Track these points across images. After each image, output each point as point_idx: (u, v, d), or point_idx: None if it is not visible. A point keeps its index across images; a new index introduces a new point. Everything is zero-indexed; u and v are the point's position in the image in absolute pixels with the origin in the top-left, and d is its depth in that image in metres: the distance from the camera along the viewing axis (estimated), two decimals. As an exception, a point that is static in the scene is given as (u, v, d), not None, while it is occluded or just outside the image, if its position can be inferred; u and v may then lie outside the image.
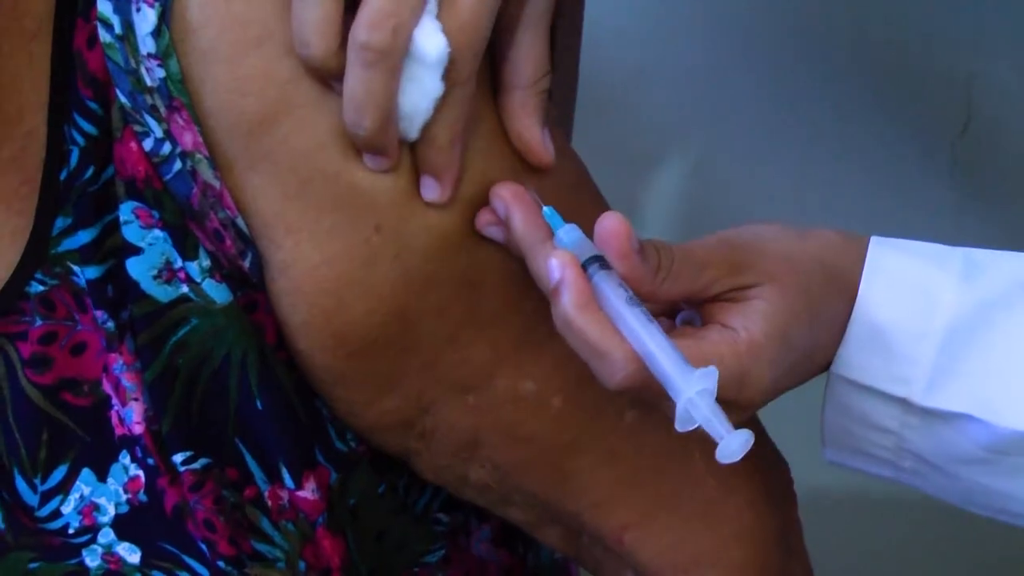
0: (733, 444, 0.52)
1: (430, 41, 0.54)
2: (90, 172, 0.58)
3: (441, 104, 0.55)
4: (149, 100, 0.56)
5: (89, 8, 0.57)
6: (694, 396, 0.52)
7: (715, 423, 0.52)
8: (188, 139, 0.56)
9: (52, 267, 0.59)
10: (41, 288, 0.59)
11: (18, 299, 0.59)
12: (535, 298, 0.58)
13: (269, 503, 0.61)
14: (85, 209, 0.58)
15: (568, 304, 0.53)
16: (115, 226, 0.58)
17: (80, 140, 0.58)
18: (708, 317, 0.57)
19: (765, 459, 0.66)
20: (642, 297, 0.54)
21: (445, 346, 0.59)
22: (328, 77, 0.55)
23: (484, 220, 0.58)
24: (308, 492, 0.61)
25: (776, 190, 1.21)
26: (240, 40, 0.55)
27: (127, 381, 0.60)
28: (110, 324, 0.59)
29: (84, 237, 0.59)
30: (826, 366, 0.60)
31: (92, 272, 0.59)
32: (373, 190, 0.57)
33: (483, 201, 0.58)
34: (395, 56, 0.53)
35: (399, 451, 0.63)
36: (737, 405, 0.55)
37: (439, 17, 0.54)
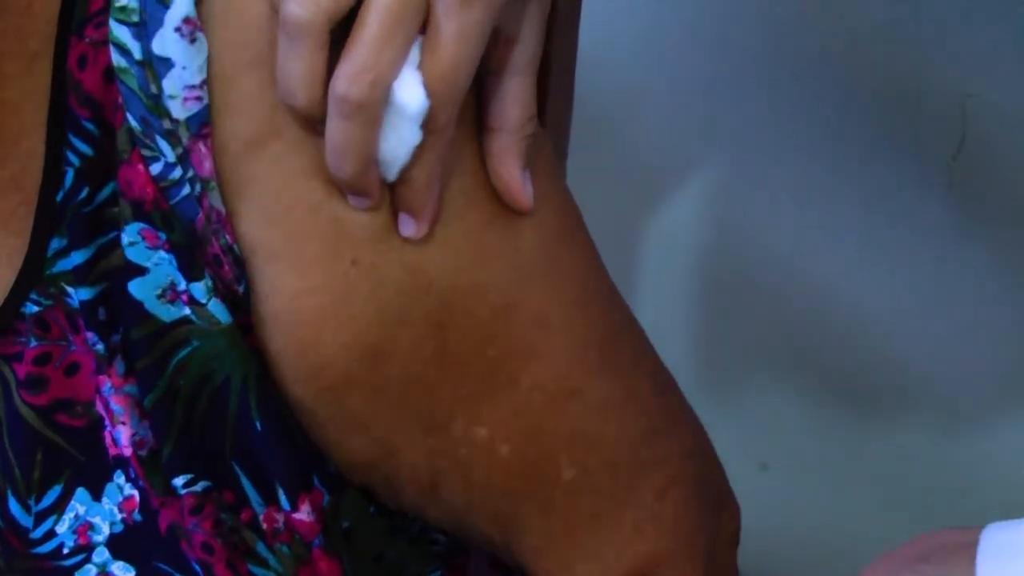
0: None
1: (409, 94, 0.55)
2: (84, 193, 0.58)
3: (419, 148, 0.56)
4: (166, 124, 0.56)
5: (83, 27, 0.57)
6: None
7: None
8: (208, 166, 0.57)
9: (47, 287, 0.59)
10: (36, 309, 0.60)
11: (14, 319, 0.60)
12: (499, 346, 0.60)
13: (264, 526, 0.61)
14: (79, 230, 0.58)
15: None
16: (110, 248, 0.59)
17: (75, 161, 0.58)
18: None
19: (706, 509, 0.66)
20: None
21: (413, 386, 0.60)
22: (313, 122, 0.56)
23: None
24: (304, 514, 0.61)
25: (771, 210, 1.21)
26: (235, 62, 0.56)
27: (115, 404, 0.60)
28: (100, 346, 0.59)
29: (77, 258, 0.59)
30: None
31: (84, 293, 0.59)
32: (352, 223, 0.58)
33: (459, 242, 0.59)
34: (373, 109, 0.54)
35: (364, 486, 0.63)
36: None
37: (420, 66, 0.55)
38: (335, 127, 0.55)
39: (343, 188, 0.57)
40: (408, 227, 0.58)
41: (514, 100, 0.59)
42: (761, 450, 1.23)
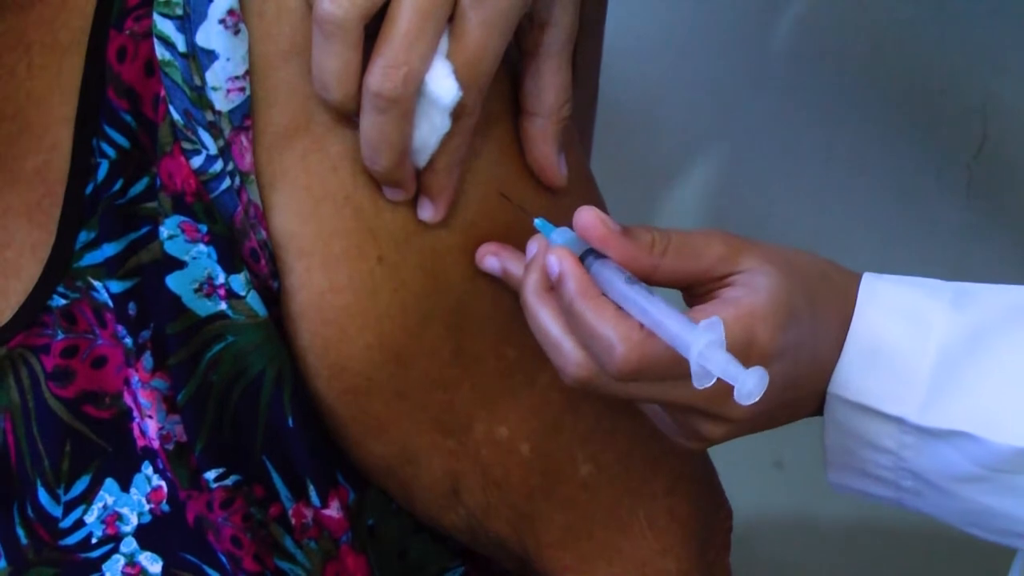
0: (749, 383, 0.52)
1: (441, 85, 0.56)
2: (118, 185, 0.59)
3: (446, 135, 0.57)
4: (209, 117, 0.57)
5: (123, 20, 0.58)
6: (703, 349, 0.52)
7: (728, 366, 0.52)
8: (248, 159, 0.57)
9: (74, 281, 0.60)
10: (63, 302, 0.60)
11: (41, 312, 0.60)
12: (516, 345, 0.61)
13: (293, 521, 0.62)
14: (111, 223, 0.59)
15: (571, 292, 0.55)
16: (143, 243, 0.59)
17: (111, 152, 0.58)
18: (711, 298, 0.58)
19: (705, 504, 0.68)
20: (644, 275, 0.56)
21: (433, 388, 0.61)
22: (347, 115, 0.57)
23: (482, 252, 0.60)
24: (334, 511, 0.62)
25: (791, 211, 1.21)
26: (270, 53, 0.57)
27: (143, 398, 0.60)
28: (128, 340, 0.60)
29: (108, 251, 0.59)
30: (823, 390, 0.60)
31: (115, 286, 0.59)
32: (376, 220, 0.58)
33: (477, 245, 0.60)
34: (406, 103, 0.55)
35: (379, 487, 0.64)
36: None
37: (449, 54, 0.56)
38: (370, 122, 0.56)
39: (379, 181, 0.58)
40: (427, 210, 0.59)
41: (550, 83, 0.60)
42: (776, 448, 1.24)
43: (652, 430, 0.64)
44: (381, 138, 0.56)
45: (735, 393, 0.52)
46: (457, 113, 0.56)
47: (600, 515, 0.64)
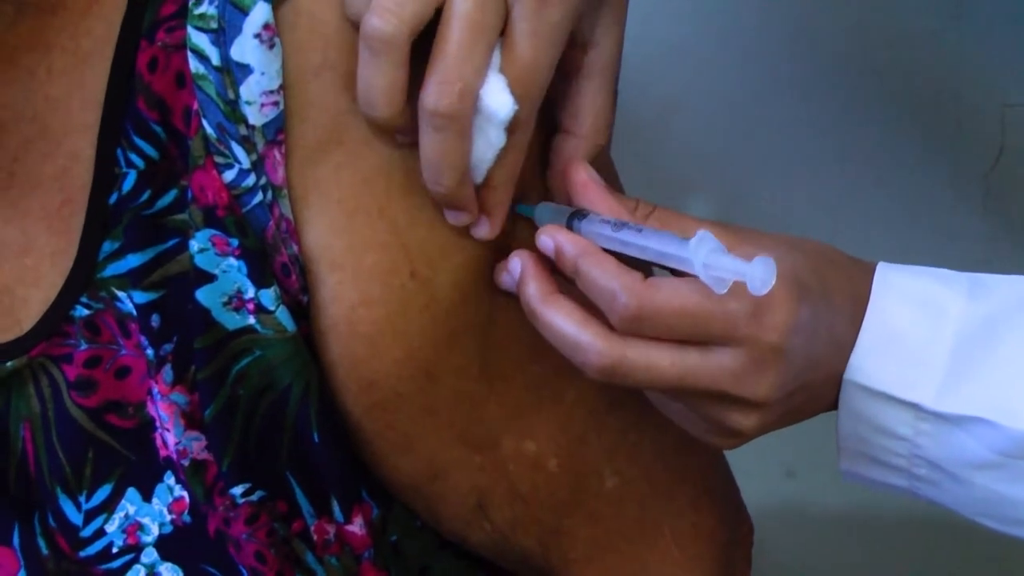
0: (758, 271, 0.52)
1: (497, 99, 0.55)
2: (146, 196, 0.58)
3: (502, 149, 0.56)
4: (242, 131, 0.56)
5: (154, 31, 0.57)
6: (706, 259, 0.53)
7: (736, 264, 0.52)
8: (280, 173, 0.57)
9: (97, 291, 0.59)
10: (86, 312, 0.60)
11: (63, 322, 0.60)
12: (544, 360, 0.60)
13: (315, 537, 0.62)
14: (136, 233, 0.58)
15: (572, 255, 0.56)
16: (170, 255, 0.59)
17: (139, 163, 0.58)
18: None
19: (729, 519, 0.68)
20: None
21: (461, 404, 0.60)
22: (394, 133, 0.57)
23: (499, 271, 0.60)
24: (356, 527, 0.62)
25: (807, 221, 1.21)
26: (304, 67, 0.56)
27: (162, 411, 0.60)
28: (149, 352, 0.59)
29: (133, 261, 0.59)
30: (840, 373, 0.60)
31: (139, 297, 0.59)
32: (410, 234, 0.58)
33: (499, 258, 0.60)
34: (463, 119, 0.54)
35: (404, 503, 0.64)
36: (760, 346, 0.55)
37: (501, 67, 0.55)
38: (429, 141, 0.55)
39: (441, 203, 0.57)
40: (483, 227, 0.58)
41: (589, 105, 0.59)
42: (787, 457, 1.23)
43: (676, 444, 0.64)
44: (441, 157, 0.55)
45: (748, 285, 0.52)
46: (512, 127, 0.56)
47: (626, 529, 0.64)
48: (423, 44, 0.55)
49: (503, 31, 0.55)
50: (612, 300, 0.54)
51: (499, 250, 0.60)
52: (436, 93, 0.54)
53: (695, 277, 0.54)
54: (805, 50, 1.22)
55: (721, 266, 0.53)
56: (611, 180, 0.64)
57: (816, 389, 0.59)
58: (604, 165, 0.63)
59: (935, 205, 1.20)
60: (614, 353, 0.55)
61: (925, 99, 1.22)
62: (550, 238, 0.57)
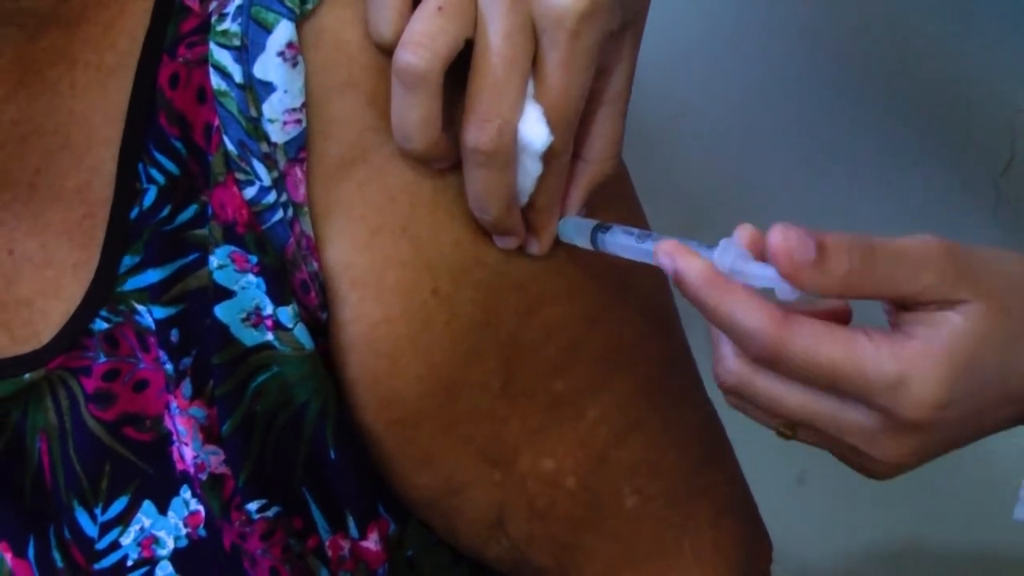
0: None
1: (532, 131, 0.56)
2: (166, 211, 0.58)
3: (541, 176, 0.57)
4: (263, 148, 0.56)
5: (176, 46, 0.57)
6: (732, 266, 0.51)
7: (762, 270, 0.51)
8: (302, 191, 0.57)
9: (117, 305, 0.59)
10: (106, 326, 0.60)
11: (82, 335, 0.60)
12: (566, 378, 0.60)
13: (329, 553, 0.62)
14: (156, 248, 0.58)
15: (695, 286, 0.51)
16: (190, 270, 0.59)
17: (159, 178, 0.58)
18: (896, 321, 0.53)
19: (748, 536, 0.68)
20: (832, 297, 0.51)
21: (481, 421, 0.60)
22: (431, 163, 0.57)
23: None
24: (371, 543, 0.62)
25: (818, 225, 1.21)
26: (327, 85, 0.56)
27: (180, 425, 0.60)
28: (168, 366, 0.59)
29: (152, 276, 0.59)
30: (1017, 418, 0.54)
31: (159, 312, 0.59)
32: (433, 252, 0.58)
33: (529, 283, 0.60)
34: (505, 153, 0.55)
35: (421, 519, 0.64)
36: (897, 419, 0.51)
37: (535, 96, 0.55)
38: (473, 177, 0.56)
39: (488, 229, 0.58)
40: (533, 246, 0.59)
41: (599, 131, 0.60)
42: (798, 463, 1.23)
43: (696, 462, 0.64)
44: (487, 191, 0.56)
45: (777, 293, 0.50)
46: (548, 157, 0.56)
47: (645, 547, 0.64)
48: (454, 69, 0.55)
49: (534, 60, 0.55)
50: (746, 340, 0.51)
51: (523, 269, 0.60)
52: (476, 131, 0.54)
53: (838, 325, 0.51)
54: (815, 55, 1.22)
55: (748, 273, 0.51)
56: (625, 186, 0.64)
57: (1001, 423, 0.54)
58: (618, 173, 0.63)
59: (946, 210, 1.20)
60: (742, 376, 0.52)
61: (936, 104, 1.21)
62: (670, 260, 0.52)
